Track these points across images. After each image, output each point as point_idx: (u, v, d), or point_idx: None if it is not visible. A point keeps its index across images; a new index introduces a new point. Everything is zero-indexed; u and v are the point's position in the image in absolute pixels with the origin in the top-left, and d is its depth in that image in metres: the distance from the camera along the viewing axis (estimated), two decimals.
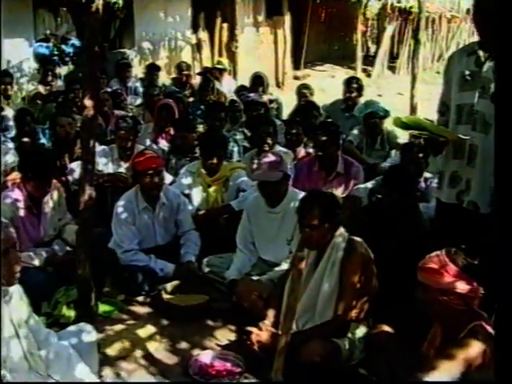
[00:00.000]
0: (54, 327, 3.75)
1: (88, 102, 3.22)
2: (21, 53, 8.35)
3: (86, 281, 3.73)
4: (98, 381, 3.02)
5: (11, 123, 6.53)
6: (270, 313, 3.46)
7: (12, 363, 2.65)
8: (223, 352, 3.51)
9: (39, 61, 8.48)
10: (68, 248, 4.44)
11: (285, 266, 3.90)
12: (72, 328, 3.15)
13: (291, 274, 3.12)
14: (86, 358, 2.98)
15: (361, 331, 3.26)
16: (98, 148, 5.75)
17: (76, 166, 5.27)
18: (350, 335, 3.23)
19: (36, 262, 4.20)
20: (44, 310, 3.91)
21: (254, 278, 4.01)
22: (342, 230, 3.32)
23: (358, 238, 3.34)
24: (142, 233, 4.40)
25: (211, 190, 4.95)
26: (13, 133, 6.43)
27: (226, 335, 3.76)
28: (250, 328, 3.35)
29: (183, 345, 3.65)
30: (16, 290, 2.77)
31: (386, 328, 3.11)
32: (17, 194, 4.26)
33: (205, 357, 3.45)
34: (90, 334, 3.11)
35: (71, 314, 3.84)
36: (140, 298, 4.22)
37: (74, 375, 2.85)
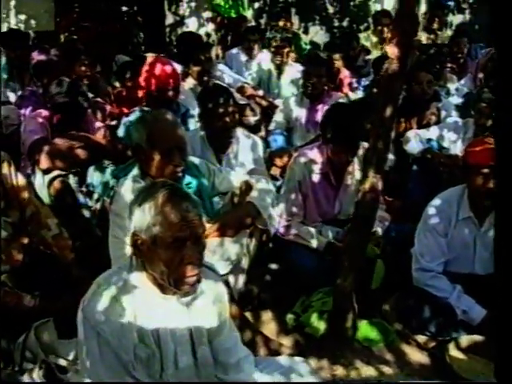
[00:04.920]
0: (296, 334, 3.11)
1: (392, 50, 2.21)
2: None
3: (346, 294, 2.87)
4: None
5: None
6: None
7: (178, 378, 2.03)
8: None
9: None
10: None
11: None
12: (283, 359, 2.39)
13: None
14: None
15: None
16: (450, 119, 4.71)
17: (412, 136, 4.34)
18: None
19: (314, 243, 3.52)
20: (295, 308, 3.24)
21: None
22: None
23: None
24: (455, 251, 3.24)
25: None
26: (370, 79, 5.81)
27: None
28: None
29: None
30: (210, 291, 2.09)
31: None
32: (314, 154, 3.58)
33: None
34: (302, 378, 2.29)
35: (321, 326, 3.06)
36: (421, 338, 3.16)
37: None
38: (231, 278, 2.89)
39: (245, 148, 3.77)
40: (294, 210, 3.60)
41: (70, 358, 2.37)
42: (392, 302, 3.37)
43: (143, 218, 1.86)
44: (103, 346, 1.87)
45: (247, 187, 2.91)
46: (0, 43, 5.14)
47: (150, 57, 4.12)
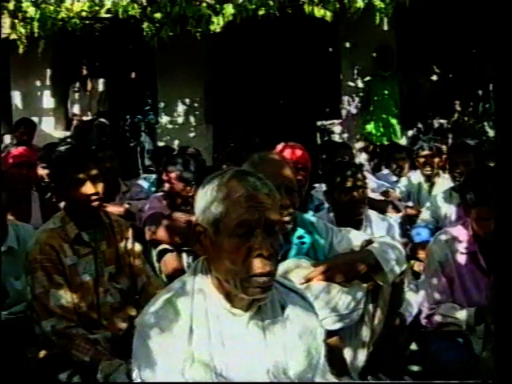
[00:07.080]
0: None
1: None
2: None
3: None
4: None
5: None
6: None
7: None
8: None
9: None
10: None
11: None
12: None
13: None
14: None
15: None
16: None
17: None
18: None
19: (459, 315, 2.92)
20: None
21: None
22: None
23: None
24: None
25: None
26: None
27: None
28: None
29: None
30: (297, 320, 1.70)
31: None
32: (457, 231, 3.09)
33: None
34: None
35: None
36: None
37: None
38: (348, 351, 2.41)
39: (379, 231, 3.40)
40: (438, 296, 3.06)
41: None
42: None
43: (203, 198, 1.59)
44: (149, 355, 1.52)
45: (368, 245, 2.51)
46: (152, 160, 5.42)
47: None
